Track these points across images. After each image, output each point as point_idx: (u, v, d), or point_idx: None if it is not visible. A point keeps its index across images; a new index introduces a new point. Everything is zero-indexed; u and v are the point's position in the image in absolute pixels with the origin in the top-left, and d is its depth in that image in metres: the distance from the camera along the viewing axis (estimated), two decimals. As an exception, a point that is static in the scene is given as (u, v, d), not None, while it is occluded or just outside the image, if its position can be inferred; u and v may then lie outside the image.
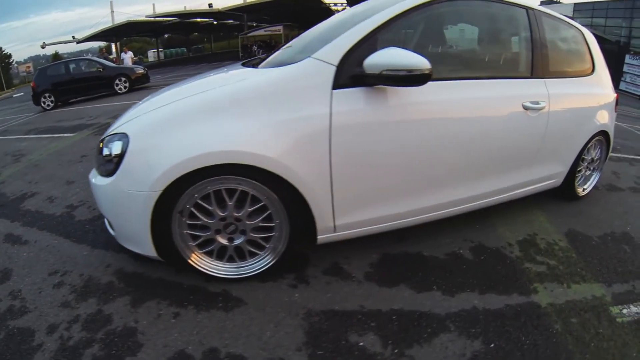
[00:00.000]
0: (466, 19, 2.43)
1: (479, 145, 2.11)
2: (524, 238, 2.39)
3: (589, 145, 2.82)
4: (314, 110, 1.70)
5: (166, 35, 46.67)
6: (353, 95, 1.76)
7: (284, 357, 1.48)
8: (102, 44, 39.38)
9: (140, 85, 11.89)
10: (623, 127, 7.87)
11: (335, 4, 33.34)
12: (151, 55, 43.75)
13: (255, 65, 2.20)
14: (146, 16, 31.82)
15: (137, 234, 1.72)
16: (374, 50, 1.71)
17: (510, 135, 2.24)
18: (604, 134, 2.93)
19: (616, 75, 22.86)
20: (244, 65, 2.37)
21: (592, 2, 28.48)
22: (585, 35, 2.89)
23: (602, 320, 1.73)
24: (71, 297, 1.81)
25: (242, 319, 1.66)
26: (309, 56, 1.79)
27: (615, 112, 3.09)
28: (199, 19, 34.16)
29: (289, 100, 1.70)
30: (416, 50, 1.70)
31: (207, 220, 1.74)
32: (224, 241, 1.82)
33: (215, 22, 35.43)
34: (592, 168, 3.09)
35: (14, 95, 24.25)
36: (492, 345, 1.55)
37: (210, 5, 29.32)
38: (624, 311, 1.80)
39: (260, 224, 1.79)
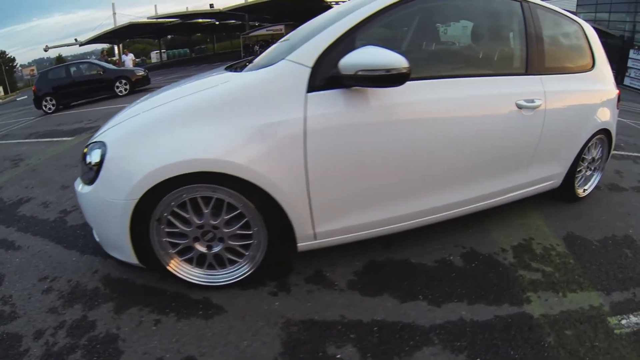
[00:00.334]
0: (455, 13, 2.32)
1: (468, 147, 2.01)
2: (519, 243, 2.28)
3: (590, 144, 2.71)
4: (287, 115, 1.63)
5: (169, 37, 46.91)
6: (330, 98, 1.68)
7: (260, 369, 1.44)
8: (105, 46, 39.57)
9: (140, 87, 11.89)
10: (627, 123, 7.73)
11: (337, 3, 33.26)
12: (154, 56, 43.92)
13: (241, 69, 2.11)
14: (148, 18, 31.91)
15: (118, 242, 1.72)
16: (351, 50, 1.63)
17: (503, 136, 2.13)
18: (605, 132, 2.81)
19: (620, 70, 22.70)
20: (227, 69, 2.28)
21: (596, -4, 28.17)
22: (585, 29, 2.77)
23: (599, 332, 1.63)
24: (59, 302, 1.84)
25: (221, 327, 1.64)
26: (284, 58, 1.72)
27: (617, 108, 2.96)
28: (200, 20, 34.20)
29: (262, 105, 1.64)
30: (401, 48, 1.61)
31: (184, 228, 1.72)
32: (202, 249, 1.80)
33: (217, 23, 35.50)
34: (593, 168, 2.97)
35: (18, 99, 24.49)
36: (478, 360, 1.47)
37: (211, 5, 29.33)
38: (623, 322, 1.70)
39: (238, 231, 1.76)
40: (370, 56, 1.55)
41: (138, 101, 2.19)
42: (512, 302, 1.78)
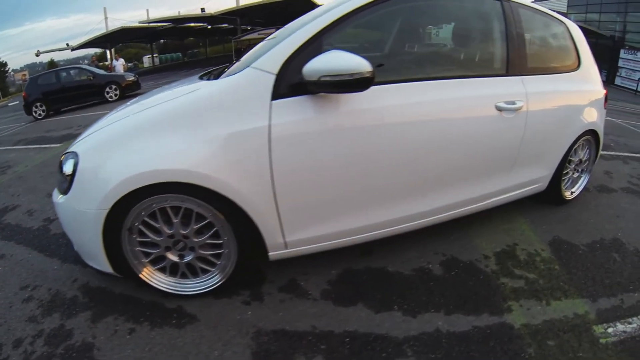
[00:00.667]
0: (431, 14, 2.23)
1: (445, 152, 1.93)
2: (503, 249, 2.21)
3: (576, 145, 2.65)
4: (252, 124, 1.58)
5: (161, 41, 46.62)
6: (295, 105, 1.62)
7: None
8: (97, 50, 39.31)
9: (130, 93, 11.76)
10: (617, 123, 7.70)
11: (330, 6, 33.22)
12: (146, 60, 43.51)
13: (216, 77, 2.03)
14: (139, 22, 31.76)
15: (92, 251, 1.73)
16: (318, 55, 1.55)
17: (481, 139, 2.05)
18: (592, 133, 2.75)
19: (611, 70, 22.84)
20: (201, 77, 2.21)
21: (586, -4, 28.36)
22: (570, 28, 2.70)
23: (583, 341, 1.56)
24: (38, 311, 1.86)
25: (193, 336, 1.63)
26: (249, 66, 1.66)
27: (604, 109, 2.91)
28: (192, 24, 34.06)
29: (227, 114, 1.60)
30: (376, 51, 1.54)
31: (155, 238, 1.72)
32: (174, 258, 1.79)
33: (209, 27, 35.36)
34: (580, 170, 2.91)
35: (10, 104, 24.20)
36: (453, 374, 1.40)
37: (202, 9, 29.19)
38: (609, 330, 1.63)
39: (209, 241, 1.74)
40: (333, 61, 1.49)
41: (115, 110, 2.15)
42: (492, 312, 1.71)
